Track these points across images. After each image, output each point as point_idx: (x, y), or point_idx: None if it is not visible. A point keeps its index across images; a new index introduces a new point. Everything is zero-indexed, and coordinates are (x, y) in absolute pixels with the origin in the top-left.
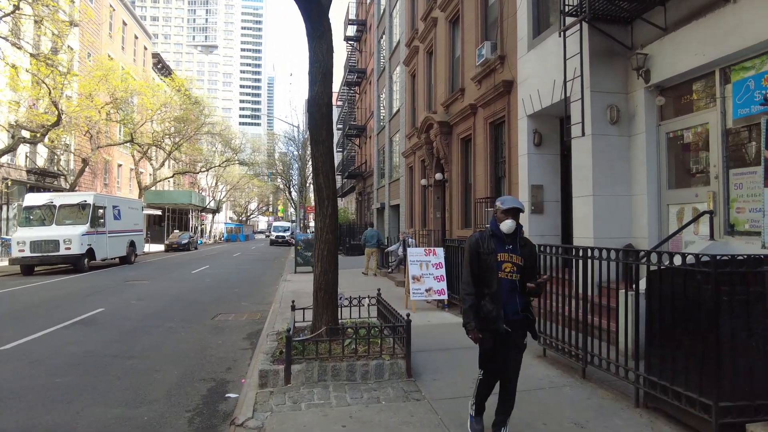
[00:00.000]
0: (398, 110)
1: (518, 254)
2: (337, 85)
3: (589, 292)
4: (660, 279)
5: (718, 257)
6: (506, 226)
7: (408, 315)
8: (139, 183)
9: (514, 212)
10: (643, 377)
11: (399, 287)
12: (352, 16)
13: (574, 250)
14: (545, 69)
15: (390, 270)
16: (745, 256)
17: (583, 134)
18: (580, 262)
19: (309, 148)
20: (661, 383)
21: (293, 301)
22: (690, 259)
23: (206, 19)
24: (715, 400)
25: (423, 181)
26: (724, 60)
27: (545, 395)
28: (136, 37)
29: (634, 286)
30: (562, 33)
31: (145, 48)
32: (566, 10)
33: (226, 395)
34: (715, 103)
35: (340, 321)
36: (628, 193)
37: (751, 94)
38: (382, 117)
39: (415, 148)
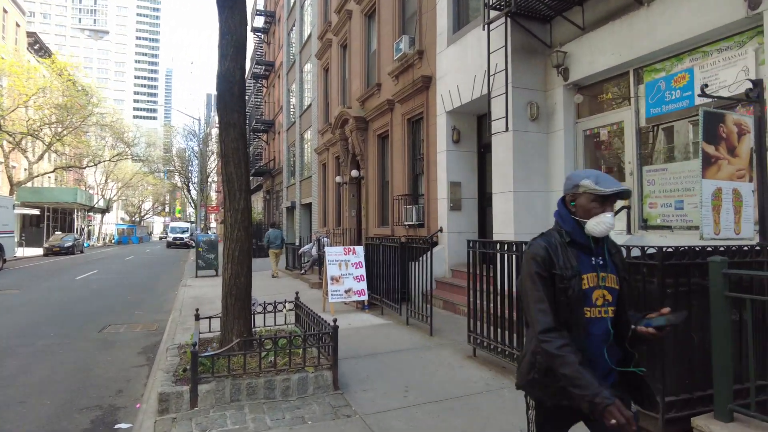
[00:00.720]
0: (310, 105)
1: (612, 271)
2: None
3: (506, 287)
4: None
5: (664, 249)
6: (603, 225)
7: (335, 320)
8: (9, 178)
9: (615, 200)
10: None
11: (314, 289)
12: (260, 7)
13: (506, 245)
14: (465, 65)
15: (303, 271)
16: (686, 248)
17: (507, 129)
18: (513, 256)
19: (210, 143)
20: None
21: (197, 309)
22: (635, 252)
23: (95, 1)
24: (661, 395)
25: (338, 179)
26: (638, 61)
27: (484, 401)
28: (5, 11)
29: None
30: (486, 26)
31: (18, 24)
32: (491, 2)
33: (117, 426)
34: (629, 102)
35: (254, 330)
36: (547, 189)
37: (662, 95)
38: (292, 112)
39: (329, 145)
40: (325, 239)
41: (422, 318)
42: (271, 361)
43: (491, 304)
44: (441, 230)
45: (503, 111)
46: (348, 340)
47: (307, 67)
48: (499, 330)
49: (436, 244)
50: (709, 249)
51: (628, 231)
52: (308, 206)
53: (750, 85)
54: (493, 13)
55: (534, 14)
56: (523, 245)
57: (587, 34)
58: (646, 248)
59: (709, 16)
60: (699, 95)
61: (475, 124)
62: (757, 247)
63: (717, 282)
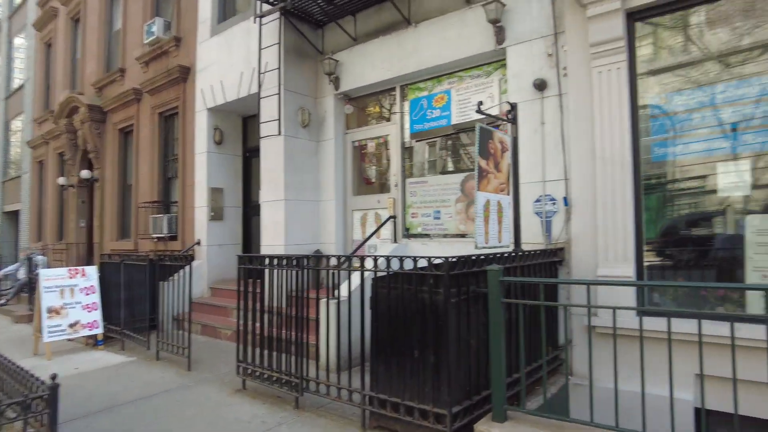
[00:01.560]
0: (22, 86)
1: None
2: None
3: (283, 305)
4: (389, 285)
5: (450, 259)
6: None
7: (54, 378)
8: None
9: None
10: (370, 396)
11: (21, 324)
12: None
13: (276, 259)
14: (231, 59)
15: (4, 302)
16: (467, 257)
17: (280, 133)
18: (294, 272)
19: None
20: (392, 400)
21: None
22: (422, 263)
23: None
24: (448, 408)
25: (61, 180)
26: (404, 78)
27: None
28: None
29: (341, 292)
30: (257, 19)
31: None
32: None
33: None
34: (395, 117)
35: None
36: (318, 198)
37: (424, 113)
38: None
39: (50, 137)
40: (39, 257)
41: (177, 350)
42: None
43: (263, 325)
44: (199, 243)
45: (275, 113)
46: (74, 393)
47: (19, 41)
48: (275, 354)
49: (192, 259)
50: (482, 257)
51: (394, 240)
52: (14, 214)
53: (508, 107)
54: (266, 7)
55: (308, 17)
56: (306, 260)
57: (359, 46)
58: (432, 258)
59: (466, 44)
60: (476, 111)
61: (241, 126)
62: (513, 254)
63: (495, 289)
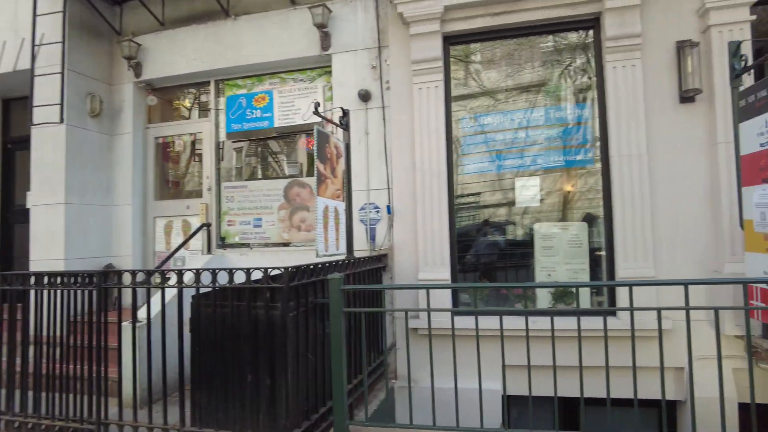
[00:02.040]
0: None
1: None
2: None
3: (60, 333)
4: (215, 302)
5: (290, 269)
6: None
7: None
8: None
9: None
10: None
11: None
12: None
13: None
14: None
15: None
16: (305, 266)
17: (62, 121)
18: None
19: None
20: None
21: None
22: (256, 275)
23: None
24: None
25: None
26: (221, 72)
27: None
28: None
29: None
30: None
31: None
32: None
33: None
34: (210, 114)
35: None
36: (111, 203)
37: (243, 112)
38: None
39: None
40: None
41: None
42: None
43: (37, 361)
44: None
45: (56, 97)
46: None
47: None
48: (60, 396)
49: None
50: (320, 266)
51: (208, 250)
52: None
53: (341, 113)
54: None
55: None
56: (94, 277)
57: (168, 31)
58: (269, 270)
59: (290, 45)
60: (314, 113)
61: (0, 110)
62: (346, 261)
63: (337, 298)
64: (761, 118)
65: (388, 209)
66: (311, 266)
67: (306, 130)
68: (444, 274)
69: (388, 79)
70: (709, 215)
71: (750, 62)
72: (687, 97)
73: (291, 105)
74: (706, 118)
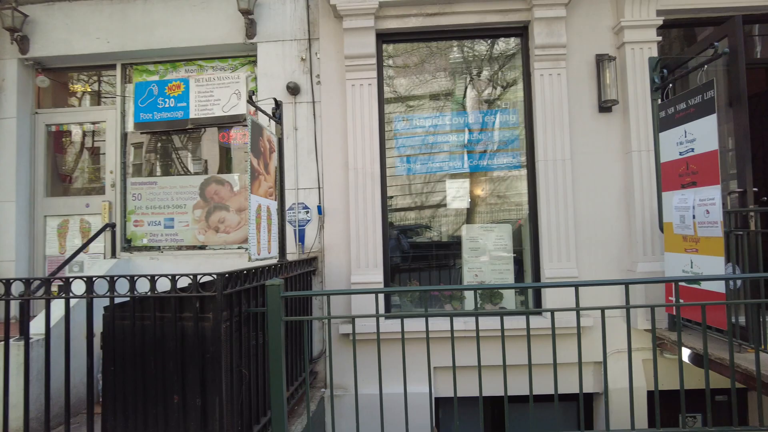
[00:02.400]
0: None
1: None
2: None
3: None
4: (133, 314)
5: (225, 274)
6: None
7: None
8: None
9: None
10: None
11: None
12: None
13: None
14: None
15: None
16: (238, 271)
17: None
18: None
19: None
20: None
21: None
22: (183, 282)
23: None
24: None
25: None
26: (128, 55)
27: None
28: None
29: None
30: None
31: None
32: None
33: None
34: (115, 101)
35: None
36: None
37: (154, 100)
38: None
39: None
40: None
41: None
42: None
43: None
44: None
45: None
46: None
47: None
48: None
49: None
50: (253, 271)
51: (112, 254)
52: None
53: (274, 104)
54: None
55: None
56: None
57: (63, 3)
58: (199, 277)
59: (210, 30)
60: (248, 101)
61: None
62: (280, 265)
63: (275, 306)
64: (681, 128)
65: (319, 209)
66: (244, 271)
67: (226, 122)
68: (377, 276)
69: (318, 73)
70: (624, 218)
71: (664, 78)
72: (605, 107)
73: (210, 95)
74: (622, 127)
